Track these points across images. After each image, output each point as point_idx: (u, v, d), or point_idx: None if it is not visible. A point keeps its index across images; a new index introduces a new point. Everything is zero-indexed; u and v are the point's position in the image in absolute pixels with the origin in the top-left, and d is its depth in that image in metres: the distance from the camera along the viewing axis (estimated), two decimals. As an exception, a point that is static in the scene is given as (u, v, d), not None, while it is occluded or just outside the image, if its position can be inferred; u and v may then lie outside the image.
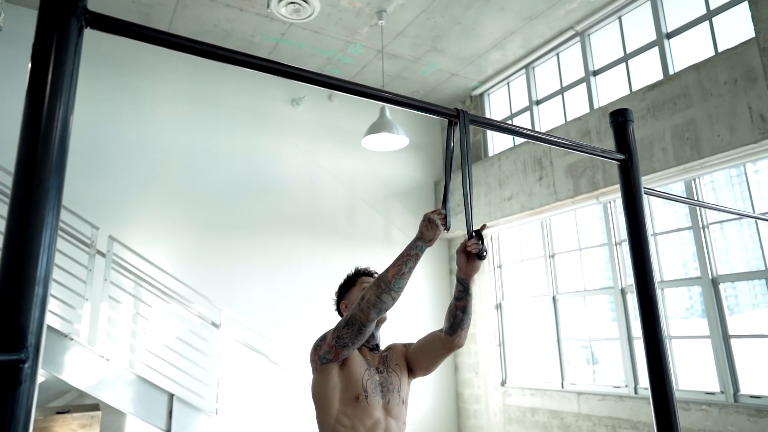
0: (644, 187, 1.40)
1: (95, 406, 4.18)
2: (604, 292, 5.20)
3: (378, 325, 1.79)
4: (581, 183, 5.11)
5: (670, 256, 4.80)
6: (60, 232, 4.18)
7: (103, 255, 4.28)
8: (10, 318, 0.63)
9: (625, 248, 5.11)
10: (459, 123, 1.06)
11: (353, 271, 1.91)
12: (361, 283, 1.84)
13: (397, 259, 1.46)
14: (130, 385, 4.06)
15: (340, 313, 1.87)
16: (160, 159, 5.33)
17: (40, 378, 4.37)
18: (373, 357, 1.75)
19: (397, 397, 1.68)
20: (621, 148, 1.35)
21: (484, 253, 1.42)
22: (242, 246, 5.57)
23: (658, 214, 4.87)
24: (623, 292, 4.98)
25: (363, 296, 1.51)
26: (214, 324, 4.58)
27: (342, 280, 1.90)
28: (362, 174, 6.60)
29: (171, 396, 4.16)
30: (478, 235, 1.39)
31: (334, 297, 1.90)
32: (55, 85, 0.68)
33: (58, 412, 3.91)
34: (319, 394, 1.61)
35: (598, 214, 5.36)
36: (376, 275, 1.87)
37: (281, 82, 6.23)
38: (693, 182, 4.50)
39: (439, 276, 6.93)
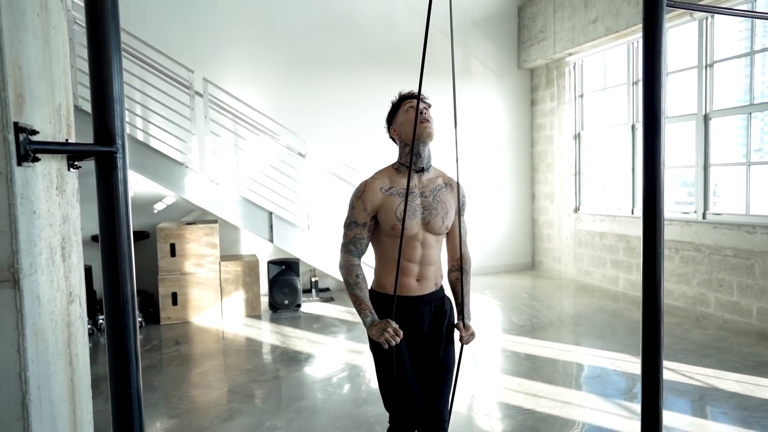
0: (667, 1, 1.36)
1: (214, 221, 5.14)
2: (686, 119, 4.99)
3: (426, 142, 1.90)
4: (674, -2, 4.62)
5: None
6: (162, 76, 4.78)
7: (200, 95, 4.87)
8: (104, 126, 1.03)
9: (716, 71, 4.74)
10: None
11: (397, 97, 2.04)
12: (404, 105, 1.95)
13: (356, 303, 1.82)
14: (237, 204, 4.90)
15: (393, 139, 2.02)
16: (239, 1, 5.56)
17: (171, 199, 5.39)
18: (420, 179, 1.92)
19: (439, 221, 1.90)
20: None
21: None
22: (323, 82, 5.91)
23: None
24: (706, 118, 4.76)
25: (341, 265, 1.90)
26: (300, 154, 5.19)
27: (389, 108, 2.03)
28: (438, 1, 6.36)
29: (270, 214, 4.99)
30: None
31: (384, 125, 2.04)
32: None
33: (187, 224, 4.91)
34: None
35: (692, 34, 4.89)
36: (424, 99, 1.97)
37: None
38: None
39: (519, 104, 6.91)
